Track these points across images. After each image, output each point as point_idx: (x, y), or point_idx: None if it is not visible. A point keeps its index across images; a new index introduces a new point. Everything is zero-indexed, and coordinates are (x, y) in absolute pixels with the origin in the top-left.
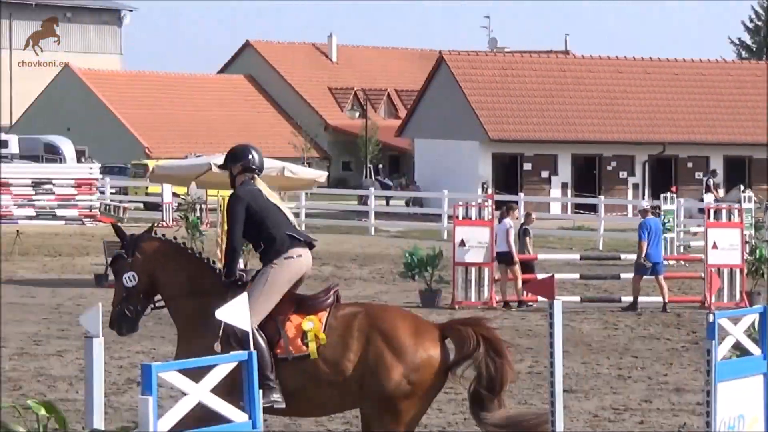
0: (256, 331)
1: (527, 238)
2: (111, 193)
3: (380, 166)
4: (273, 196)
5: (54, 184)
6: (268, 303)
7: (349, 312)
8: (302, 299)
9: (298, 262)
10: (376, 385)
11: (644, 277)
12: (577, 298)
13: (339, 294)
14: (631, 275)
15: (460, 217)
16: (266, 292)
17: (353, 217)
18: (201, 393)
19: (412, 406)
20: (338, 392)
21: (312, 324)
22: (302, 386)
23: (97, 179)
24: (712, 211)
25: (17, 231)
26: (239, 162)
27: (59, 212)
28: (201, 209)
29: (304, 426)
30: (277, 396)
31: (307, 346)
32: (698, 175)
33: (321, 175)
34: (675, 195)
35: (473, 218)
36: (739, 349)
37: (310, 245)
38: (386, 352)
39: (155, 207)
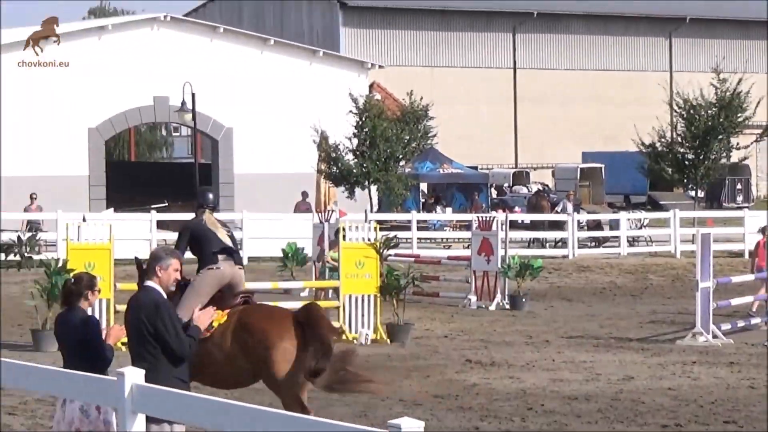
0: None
1: None
2: None
3: None
4: (215, 225)
5: None
6: (193, 301)
7: (235, 309)
8: (222, 300)
9: (217, 272)
10: (245, 359)
11: None
12: None
13: (250, 299)
14: None
15: None
16: (190, 294)
17: None
18: None
19: (277, 371)
20: (229, 368)
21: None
22: (206, 362)
23: None
24: None
25: None
26: (198, 202)
27: None
28: None
29: None
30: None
31: (208, 332)
32: None
33: None
34: None
35: None
36: None
37: (230, 259)
38: (247, 335)
39: None
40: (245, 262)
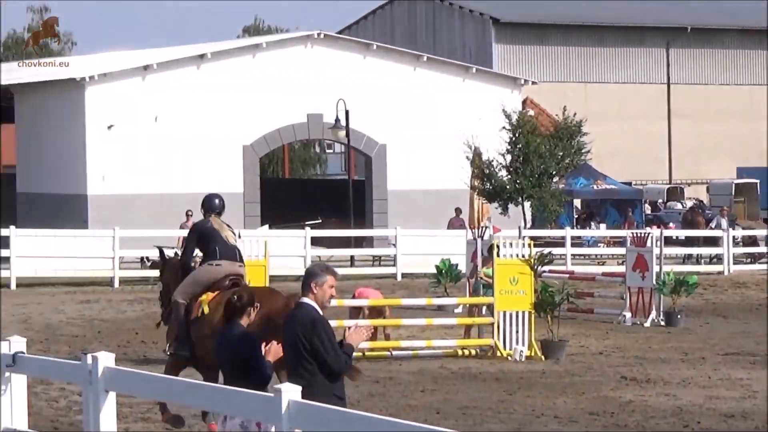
0: (179, 303)
1: None
2: None
3: None
4: (222, 227)
5: None
6: (190, 288)
7: (221, 291)
8: (215, 284)
9: (215, 268)
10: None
11: None
12: None
13: (239, 282)
14: None
15: None
16: (189, 282)
17: None
18: None
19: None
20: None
21: (203, 299)
22: (199, 338)
23: None
24: None
25: None
26: (203, 207)
27: None
28: None
29: None
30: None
31: (199, 311)
32: None
33: None
34: None
35: None
36: None
37: (233, 258)
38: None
39: None
40: (398, 278)
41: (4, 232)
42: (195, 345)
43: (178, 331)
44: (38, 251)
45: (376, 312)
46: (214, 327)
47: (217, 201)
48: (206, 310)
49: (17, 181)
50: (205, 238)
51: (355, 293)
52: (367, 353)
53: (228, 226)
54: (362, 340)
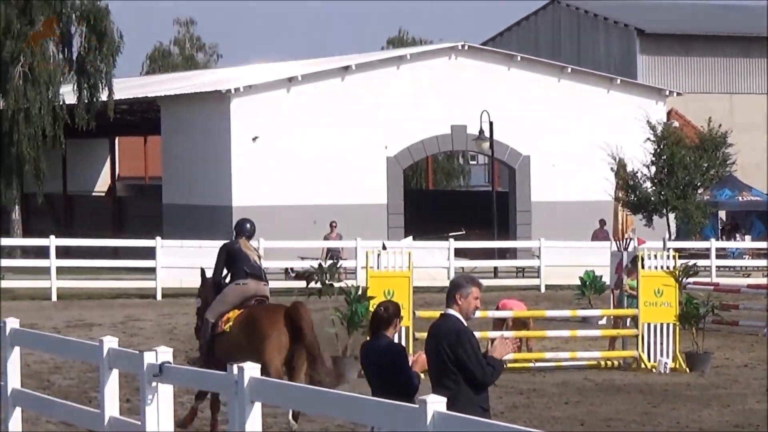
0: (208, 321)
1: None
2: None
3: None
4: (249, 249)
5: None
6: (219, 307)
7: (245, 309)
8: (242, 303)
9: (242, 287)
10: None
11: None
12: None
13: (263, 301)
14: None
15: None
16: (219, 301)
17: None
18: None
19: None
20: (237, 353)
21: (230, 315)
22: (225, 351)
23: None
24: None
25: None
26: (235, 229)
27: None
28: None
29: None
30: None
31: (225, 326)
32: None
33: None
34: None
35: None
36: None
37: (258, 278)
38: (248, 329)
39: None
40: (542, 290)
41: (150, 243)
42: (219, 359)
43: (205, 347)
44: (183, 262)
45: (520, 324)
46: (235, 343)
47: (248, 225)
48: (228, 328)
49: (163, 193)
50: (232, 258)
51: (498, 305)
52: (510, 365)
53: (255, 249)
54: (508, 352)
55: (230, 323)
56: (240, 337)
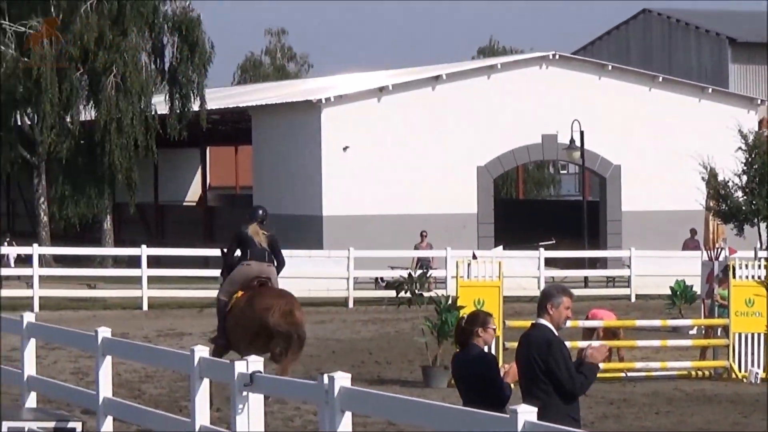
0: (221, 300)
1: None
2: None
3: None
4: (257, 234)
5: None
6: (228, 287)
7: (249, 289)
8: (247, 282)
9: (246, 268)
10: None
11: None
12: None
13: (264, 282)
14: None
15: None
16: (227, 281)
17: None
18: None
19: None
20: (242, 330)
21: (238, 295)
22: (229, 327)
23: None
24: None
25: None
26: (248, 216)
27: None
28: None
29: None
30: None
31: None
32: None
33: None
34: None
35: None
36: None
37: (262, 259)
38: (251, 305)
39: None
40: (632, 299)
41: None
42: (229, 333)
43: (219, 323)
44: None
45: (610, 333)
46: (240, 317)
47: (260, 212)
48: (234, 303)
49: (253, 202)
50: (241, 243)
51: (588, 314)
52: (601, 375)
53: (264, 232)
54: (602, 358)
55: (234, 302)
56: (240, 316)
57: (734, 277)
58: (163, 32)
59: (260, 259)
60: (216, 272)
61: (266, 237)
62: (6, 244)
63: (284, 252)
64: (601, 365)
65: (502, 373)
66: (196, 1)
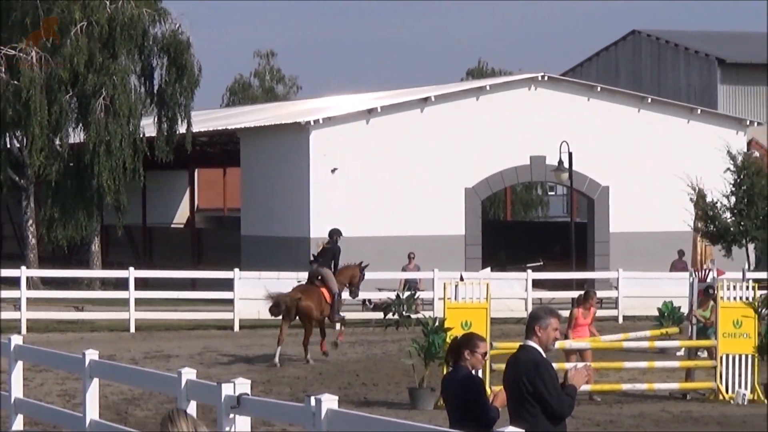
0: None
1: None
2: None
3: None
4: (317, 246)
5: None
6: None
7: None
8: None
9: (310, 269)
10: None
11: None
12: None
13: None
14: None
15: None
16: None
17: None
18: None
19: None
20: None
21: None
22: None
23: None
24: None
25: None
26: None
27: None
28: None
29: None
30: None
31: None
32: None
33: None
34: None
35: None
36: None
37: (319, 264)
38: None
39: None
40: (620, 320)
41: (228, 274)
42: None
43: None
44: (261, 293)
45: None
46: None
47: (333, 233)
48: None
49: (241, 224)
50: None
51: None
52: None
53: (326, 244)
54: (584, 381)
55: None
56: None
57: (723, 298)
58: (153, 55)
59: (315, 264)
60: (203, 294)
61: (328, 247)
62: None
63: (271, 274)
64: (588, 387)
65: (490, 398)
66: (185, 24)
